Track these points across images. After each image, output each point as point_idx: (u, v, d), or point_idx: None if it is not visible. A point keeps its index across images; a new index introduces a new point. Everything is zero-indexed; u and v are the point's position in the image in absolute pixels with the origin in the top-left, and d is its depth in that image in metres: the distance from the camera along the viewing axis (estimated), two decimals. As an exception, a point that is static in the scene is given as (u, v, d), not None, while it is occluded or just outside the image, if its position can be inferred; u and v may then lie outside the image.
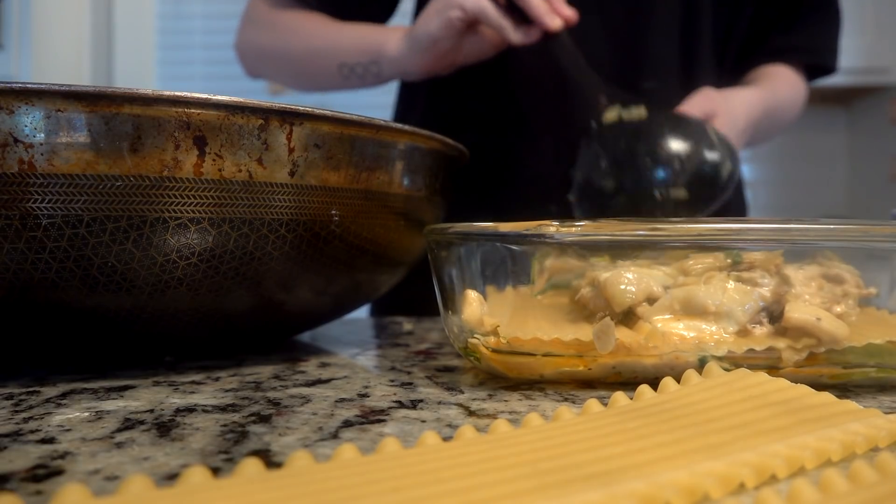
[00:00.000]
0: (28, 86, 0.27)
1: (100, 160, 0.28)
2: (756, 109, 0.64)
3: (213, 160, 0.29)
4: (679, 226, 0.29)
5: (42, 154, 0.27)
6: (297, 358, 0.37)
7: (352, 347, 0.41)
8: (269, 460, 0.20)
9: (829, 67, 0.75)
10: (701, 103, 0.58)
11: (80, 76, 1.95)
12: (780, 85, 0.71)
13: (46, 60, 1.82)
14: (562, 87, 0.60)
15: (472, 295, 0.30)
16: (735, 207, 0.73)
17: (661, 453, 0.18)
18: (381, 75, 0.63)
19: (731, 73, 0.73)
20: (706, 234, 0.28)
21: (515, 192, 0.67)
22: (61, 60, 1.90)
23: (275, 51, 0.70)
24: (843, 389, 0.29)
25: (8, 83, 0.27)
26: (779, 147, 2.11)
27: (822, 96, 2.03)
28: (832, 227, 0.28)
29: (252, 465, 0.17)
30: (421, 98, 0.72)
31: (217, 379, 0.32)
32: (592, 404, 0.23)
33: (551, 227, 0.28)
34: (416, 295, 0.54)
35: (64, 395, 0.28)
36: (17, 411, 0.26)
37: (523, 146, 0.67)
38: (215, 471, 0.20)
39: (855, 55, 1.84)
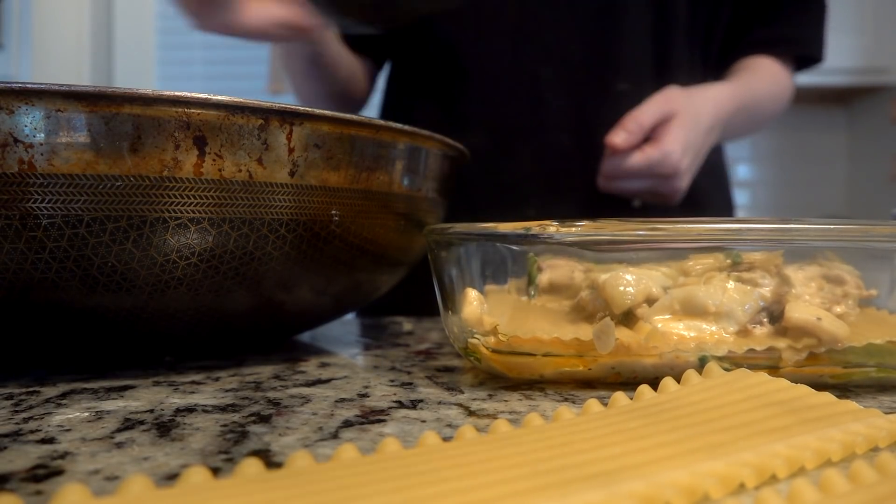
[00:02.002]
0: (28, 86, 0.27)
1: (100, 160, 0.28)
2: (725, 106, 0.63)
3: (213, 160, 0.29)
4: (679, 226, 0.29)
5: (42, 154, 0.27)
6: (297, 358, 0.37)
7: (352, 347, 0.41)
8: (269, 460, 0.20)
9: (815, 57, 0.73)
10: (660, 104, 0.57)
11: (80, 76, 1.95)
12: (759, 78, 0.69)
13: (46, 60, 1.82)
14: (538, 90, 0.57)
15: (471, 294, 0.30)
16: (715, 202, 0.71)
17: (661, 453, 0.18)
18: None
19: (716, 68, 0.72)
20: (706, 235, 0.28)
21: (494, 196, 0.67)
22: (61, 60, 1.90)
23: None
24: (843, 389, 0.29)
25: (8, 83, 0.27)
26: (779, 147, 2.11)
27: (822, 96, 2.03)
28: (832, 227, 0.28)
29: (252, 465, 0.17)
30: (404, 101, 0.72)
31: (217, 379, 0.32)
32: (592, 404, 0.23)
33: (551, 227, 0.28)
34: (416, 295, 0.54)
35: (64, 395, 0.28)
36: (17, 411, 0.26)
37: (501, 150, 0.66)
38: (215, 471, 0.20)
39: (855, 55, 1.84)
